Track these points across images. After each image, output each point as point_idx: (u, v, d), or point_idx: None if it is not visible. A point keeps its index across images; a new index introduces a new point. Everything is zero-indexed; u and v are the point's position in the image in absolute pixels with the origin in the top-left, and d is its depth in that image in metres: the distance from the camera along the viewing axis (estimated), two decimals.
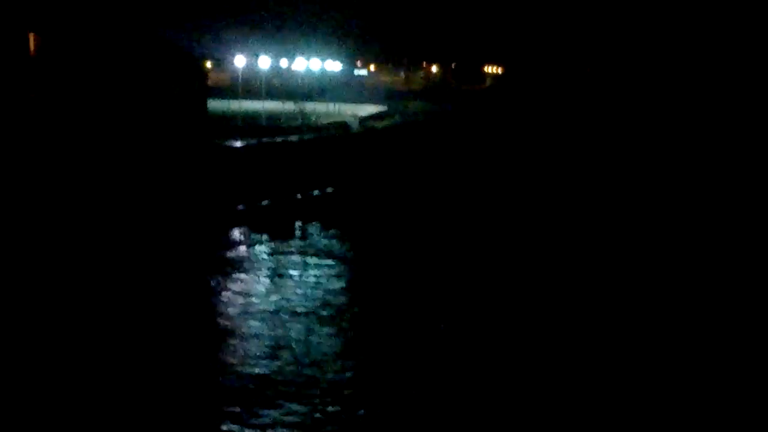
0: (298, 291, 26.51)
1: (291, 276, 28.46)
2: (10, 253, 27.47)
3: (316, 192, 42.34)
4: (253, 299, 25.65)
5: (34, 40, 35.50)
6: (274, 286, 27.16)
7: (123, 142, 36.35)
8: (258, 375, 19.50)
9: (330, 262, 30.31)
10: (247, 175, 40.00)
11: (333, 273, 28.99)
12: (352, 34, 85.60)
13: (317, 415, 17.53)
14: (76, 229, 30.27)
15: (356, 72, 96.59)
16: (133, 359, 20.15)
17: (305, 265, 29.80)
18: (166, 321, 23.19)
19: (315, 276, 28.34)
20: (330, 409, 17.81)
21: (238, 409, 17.63)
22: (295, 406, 17.83)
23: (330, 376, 19.61)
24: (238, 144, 43.42)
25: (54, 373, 19.05)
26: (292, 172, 42.61)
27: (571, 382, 19.20)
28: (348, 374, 19.76)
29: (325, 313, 24.38)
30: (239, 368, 19.93)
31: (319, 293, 26.43)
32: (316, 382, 19.21)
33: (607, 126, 77.66)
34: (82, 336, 21.54)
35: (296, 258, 30.88)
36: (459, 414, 17.83)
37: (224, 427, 16.89)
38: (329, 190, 43.11)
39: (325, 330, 22.89)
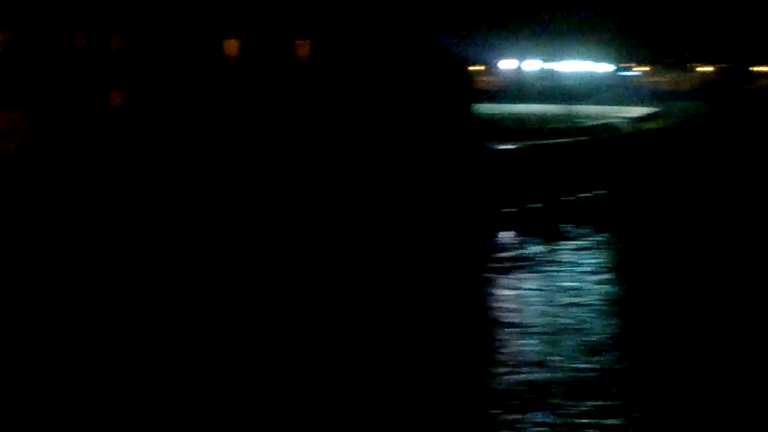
0: (583, 291, 26.09)
1: (569, 276, 28.01)
2: (286, 242, 28.34)
3: (585, 194, 41.48)
4: (543, 295, 25.58)
5: (309, 45, 36.38)
6: (557, 285, 26.83)
7: (392, 144, 36.67)
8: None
9: (605, 263, 29.66)
10: (514, 177, 39.62)
11: (611, 277, 28.38)
12: (619, 35, 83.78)
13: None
14: (359, 223, 31.04)
15: (624, 73, 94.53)
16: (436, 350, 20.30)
17: (579, 266, 29.27)
18: (461, 315, 23.35)
19: (595, 278, 27.80)
20: None
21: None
22: None
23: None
24: (506, 146, 43.04)
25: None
26: (560, 175, 41.91)
27: None
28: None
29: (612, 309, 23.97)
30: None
31: (603, 291, 26.07)
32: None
33: None
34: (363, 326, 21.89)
35: (568, 258, 30.39)
36: None
37: None
38: (599, 192, 42.13)
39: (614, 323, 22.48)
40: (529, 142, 46.14)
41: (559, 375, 18.93)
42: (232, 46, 36.73)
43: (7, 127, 34.67)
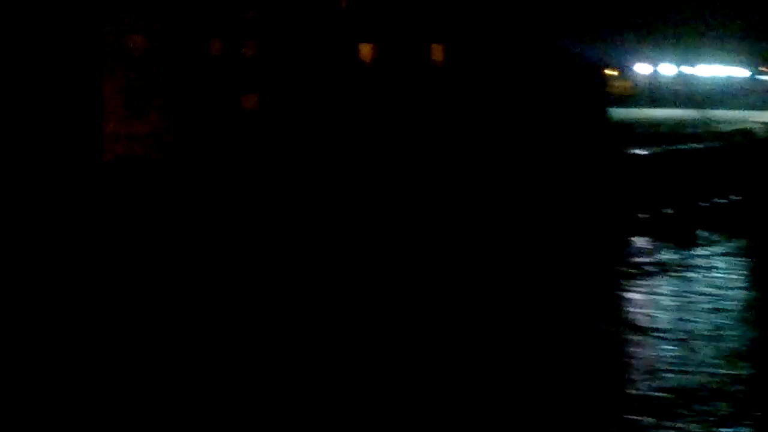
0: (719, 297, 25.79)
1: (706, 282, 27.68)
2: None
3: (720, 200, 40.79)
4: (679, 300, 25.40)
5: (443, 49, 36.57)
6: (693, 291, 26.55)
7: (526, 148, 36.67)
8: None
9: (743, 271, 29.20)
10: (649, 182, 39.18)
11: (748, 284, 27.96)
12: (757, 40, 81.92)
13: None
14: (498, 226, 31.21)
15: (761, 77, 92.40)
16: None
17: (716, 272, 28.92)
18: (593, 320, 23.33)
19: (732, 285, 27.42)
20: None
21: None
22: None
23: None
24: (640, 151, 42.59)
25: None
26: (695, 180, 41.30)
27: None
28: None
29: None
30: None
31: (740, 297, 25.78)
32: None
33: None
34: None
35: (703, 263, 30.03)
36: None
37: None
38: (735, 198, 41.37)
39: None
40: (664, 147, 45.67)
41: (697, 381, 18.72)
42: (366, 50, 37.15)
43: (147, 131, 35.66)
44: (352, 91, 36.59)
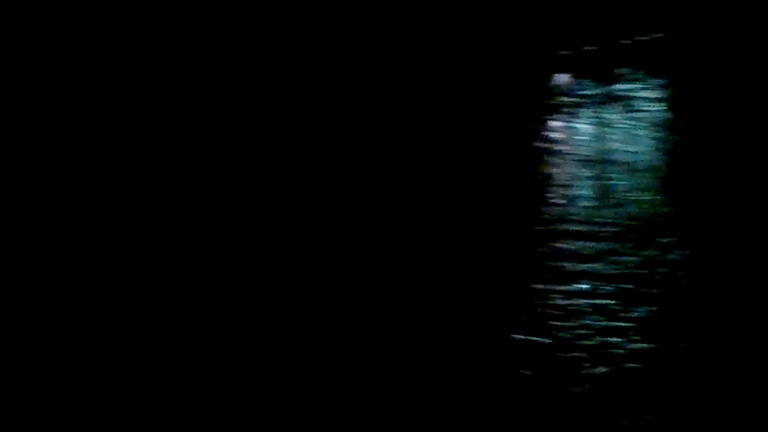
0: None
1: (624, 114, 28.08)
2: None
3: (642, 38, 40.93)
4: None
5: None
6: (611, 120, 26.91)
7: None
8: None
9: (661, 104, 29.63)
10: (570, 19, 39.17)
11: (662, 114, 28.33)
12: None
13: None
14: None
15: None
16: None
17: (635, 104, 29.34)
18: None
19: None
20: None
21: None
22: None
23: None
24: None
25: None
26: (617, 17, 41.33)
27: None
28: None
29: None
30: None
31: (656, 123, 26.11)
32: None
33: None
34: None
35: (623, 96, 30.47)
36: None
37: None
38: (657, 35, 41.53)
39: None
40: None
41: (603, 196, 19.19)
42: None
43: None
44: None
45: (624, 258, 16.59)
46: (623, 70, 35.46)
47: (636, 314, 14.67)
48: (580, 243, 17.31)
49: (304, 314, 15.63)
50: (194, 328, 15.43)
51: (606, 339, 13.98)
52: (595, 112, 28.57)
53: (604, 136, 25.89)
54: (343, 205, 20.54)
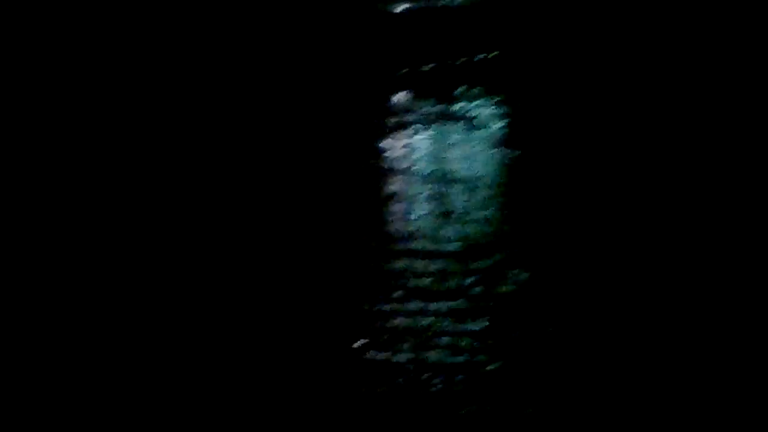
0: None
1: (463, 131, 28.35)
2: None
3: (480, 56, 41.27)
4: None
5: None
6: (450, 137, 27.13)
7: None
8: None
9: (498, 120, 29.98)
10: (406, 39, 39.26)
11: (501, 129, 28.73)
12: None
13: None
14: None
15: None
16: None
17: (474, 121, 29.65)
18: None
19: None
20: None
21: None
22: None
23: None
24: (395, 8, 42.46)
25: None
26: (455, 36, 41.62)
27: None
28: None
29: None
30: None
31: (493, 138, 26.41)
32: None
33: None
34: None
35: (461, 114, 30.74)
36: None
37: None
38: (494, 53, 41.97)
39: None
40: (421, 2, 45.70)
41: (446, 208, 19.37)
42: None
43: None
44: None
45: (461, 275, 16.61)
46: (461, 88, 35.76)
47: (472, 328, 14.66)
48: (418, 261, 17.29)
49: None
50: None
51: (442, 354, 13.93)
52: (433, 130, 28.69)
53: (443, 154, 25.99)
54: (170, 219, 20.10)
